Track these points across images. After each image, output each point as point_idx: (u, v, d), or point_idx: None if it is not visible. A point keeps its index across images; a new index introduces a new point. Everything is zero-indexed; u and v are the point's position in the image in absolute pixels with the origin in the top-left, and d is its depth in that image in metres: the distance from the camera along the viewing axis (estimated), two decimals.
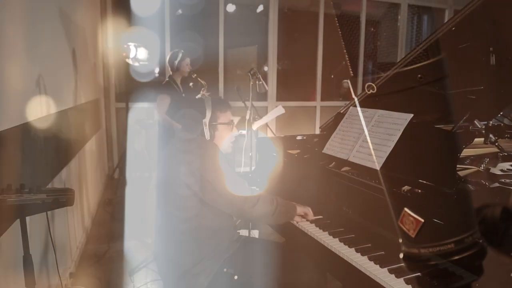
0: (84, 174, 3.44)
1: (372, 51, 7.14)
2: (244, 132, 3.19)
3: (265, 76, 5.89)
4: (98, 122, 4.64)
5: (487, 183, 1.61)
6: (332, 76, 6.91)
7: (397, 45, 6.68)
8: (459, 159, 1.76)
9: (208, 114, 1.75)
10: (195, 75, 3.60)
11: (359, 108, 2.03)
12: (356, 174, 1.78)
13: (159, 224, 1.69)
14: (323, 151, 2.06)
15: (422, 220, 1.46)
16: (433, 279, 1.27)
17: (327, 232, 1.67)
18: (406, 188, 1.56)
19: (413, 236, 1.47)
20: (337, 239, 1.60)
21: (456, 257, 1.26)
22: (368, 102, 2.25)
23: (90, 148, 3.89)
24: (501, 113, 2.36)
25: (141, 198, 3.95)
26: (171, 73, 3.54)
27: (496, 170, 1.86)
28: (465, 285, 1.20)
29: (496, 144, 2.09)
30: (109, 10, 5.22)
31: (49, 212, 1.75)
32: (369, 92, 2.28)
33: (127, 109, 5.04)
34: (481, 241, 1.17)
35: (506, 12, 1.81)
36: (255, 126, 3.41)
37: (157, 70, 5.93)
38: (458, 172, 1.58)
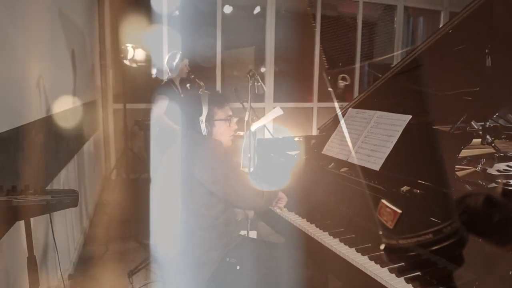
0: (82, 175, 3.44)
1: (368, 52, 7.19)
2: (241, 133, 3.20)
3: (262, 78, 5.90)
4: (95, 123, 4.63)
5: (484, 183, 1.64)
6: (329, 78, 6.94)
7: (393, 46, 6.72)
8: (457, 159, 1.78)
9: (205, 111, 1.72)
10: (192, 76, 3.61)
11: (336, 103, 2.06)
12: (355, 174, 1.80)
13: (169, 219, 1.69)
14: (322, 152, 2.08)
15: (400, 211, 1.49)
16: (433, 278, 1.28)
17: (327, 233, 1.68)
18: (405, 188, 1.58)
19: (391, 227, 1.51)
20: (337, 239, 1.61)
21: (438, 247, 1.28)
22: (366, 104, 2.27)
23: (88, 149, 3.88)
24: (497, 114, 2.40)
25: (142, 198, 3.95)
26: (169, 74, 3.55)
27: (492, 171, 1.88)
28: (464, 283, 1.22)
29: (493, 145, 2.12)
30: (106, 10, 5.21)
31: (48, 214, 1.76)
32: (342, 84, 2.32)
33: (124, 110, 5.05)
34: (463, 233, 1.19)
35: (502, 15, 1.83)
36: (253, 127, 3.42)
37: (154, 71, 5.94)
38: (456, 173, 1.60)
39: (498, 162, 2.06)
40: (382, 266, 1.37)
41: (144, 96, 5.44)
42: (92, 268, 2.91)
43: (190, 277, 1.58)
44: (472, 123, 2.19)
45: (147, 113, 5.32)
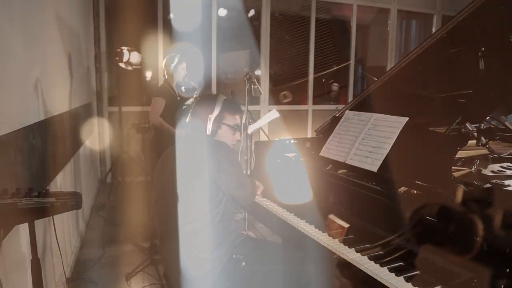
0: (78, 179, 3.43)
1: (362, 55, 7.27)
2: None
3: (257, 80, 5.93)
4: (91, 126, 4.62)
5: (480, 184, 1.67)
6: (324, 80, 6.99)
7: (387, 49, 6.79)
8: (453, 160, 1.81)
9: (216, 111, 1.75)
10: (187, 79, 3.62)
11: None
12: (353, 176, 1.82)
13: (182, 218, 1.68)
14: (320, 154, 2.10)
15: (347, 226, 1.55)
16: (432, 277, 1.31)
17: (326, 233, 1.70)
18: (402, 189, 1.61)
19: (341, 242, 1.58)
20: (336, 239, 1.63)
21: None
22: (362, 106, 2.30)
23: (84, 152, 3.87)
24: (490, 116, 2.44)
25: (138, 201, 3.95)
26: (166, 76, 3.56)
27: (487, 171, 1.92)
28: (462, 282, 1.25)
29: (487, 146, 2.16)
30: (101, 13, 5.21)
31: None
32: (284, 101, 2.38)
33: (120, 113, 5.04)
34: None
35: (495, 20, 1.87)
36: (250, 130, 3.44)
37: (149, 74, 5.94)
38: (452, 173, 1.63)
39: (492, 163, 2.09)
40: (381, 266, 1.39)
41: (139, 99, 5.45)
42: (89, 271, 2.90)
43: (200, 274, 1.59)
44: (467, 124, 2.22)
45: (143, 115, 5.34)
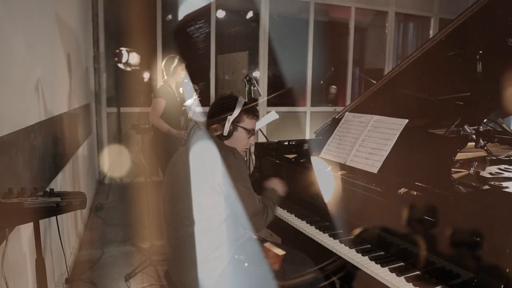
0: (77, 179, 3.43)
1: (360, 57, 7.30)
2: None
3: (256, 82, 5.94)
4: (89, 126, 4.61)
5: (479, 185, 1.68)
6: (322, 82, 7.02)
7: (385, 51, 6.83)
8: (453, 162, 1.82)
9: (236, 113, 1.73)
10: (186, 80, 3.63)
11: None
12: (353, 177, 1.83)
13: (185, 215, 1.68)
14: (320, 155, 2.11)
15: (283, 253, 1.59)
16: (432, 277, 1.32)
17: (327, 234, 1.72)
18: (402, 190, 1.62)
19: (276, 269, 1.62)
20: (337, 240, 1.64)
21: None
22: (362, 108, 2.31)
23: (83, 153, 3.87)
24: (488, 118, 2.46)
25: (136, 202, 3.95)
26: (165, 77, 3.56)
27: (485, 173, 1.94)
28: (462, 282, 1.26)
29: (485, 148, 2.18)
30: (100, 14, 5.21)
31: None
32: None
33: (118, 114, 5.04)
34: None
35: (494, 23, 1.90)
36: None
37: (147, 75, 5.94)
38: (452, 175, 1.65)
39: (489, 165, 2.11)
40: (382, 266, 1.41)
41: (138, 99, 5.44)
42: (89, 272, 2.89)
43: (201, 273, 1.60)
44: (465, 127, 2.24)
45: (142, 116, 5.34)
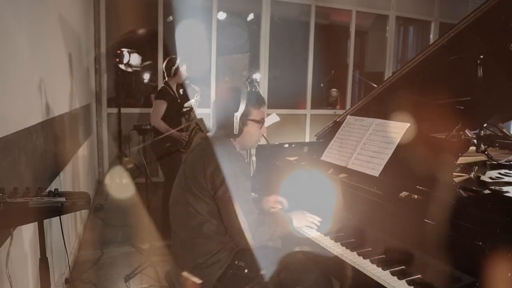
0: (77, 179, 3.43)
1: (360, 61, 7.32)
2: None
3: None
4: (89, 127, 4.62)
5: (480, 190, 1.69)
6: (322, 85, 7.04)
7: (385, 55, 6.85)
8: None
9: (242, 108, 1.64)
10: (188, 81, 3.63)
11: None
12: (355, 180, 1.84)
13: (182, 220, 1.66)
14: (321, 158, 2.12)
15: (199, 282, 1.59)
16: (433, 280, 1.33)
17: (328, 237, 1.72)
18: (403, 193, 1.63)
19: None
20: (338, 243, 1.65)
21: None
22: (363, 111, 2.32)
23: (83, 153, 3.87)
24: (488, 123, 2.47)
25: (135, 203, 3.94)
26: (166, 78, 3.56)
27: (485, 178, 1.95)
28: (463, 286, 1.27)
29: (486, 152, 2.19)
30: (102, 14, 5.22)
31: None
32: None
33: (119, 115, 5.04)
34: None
35: (496, 29, 1.91)
36: None
37: (147, 76, 5.95)
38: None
39: (490, 170, 2.12)
40: (384, 269, 1.41)
41: (138, 100, 5.45)
42: (88, 272, 2.89)
43: (198, 277, 1.59)
44: (466, 131, 2.25)
45: (142, 117, 5.34)
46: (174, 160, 3.42)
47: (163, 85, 3.59)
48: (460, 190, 1.58)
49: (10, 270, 1.23)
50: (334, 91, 7.05)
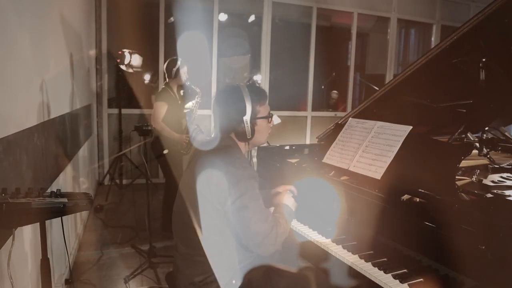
0: (77, 180, 3.42)
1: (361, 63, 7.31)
2: None
3: None
4: (90, 127, 4.61)
5: (482, 193, 1.69)
6: (323, 87, 7.04)
7: (387, 57, 6.85)
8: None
9: (249, 110, 1.56)
10: (188, 83, 3.63)
11: None
12: (356, 183, 1.83)
13: (183, 234, 1.61)
14: (323, 161, 2.11)
15: None
16: (436, 284, 1.32)
17: (329, 240, 1.71)
18: (405, 197, 1.62)
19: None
20: (340, 246, 1.64)
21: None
22: (365, 114, 2.32)
23: (83, 153, 3.87)
24: (491, 126, 2.46)
25: (135, 204, 3.94)
26: (167, 80, 3.56)
27: (487, 181, 1.94)
28: None
29: (488, 156, 2.18)
30: (103, 15, 5.22)
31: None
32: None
33: (120, 115, 5.04)
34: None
35: (499, 32, 1.91)
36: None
37: (147, 77, 5.95)
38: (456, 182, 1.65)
39: (492, 173, 2.12)
40: (386, 272, 1.41)
41: (139, 101, 5.45)
42: (88, 273, 2.88)
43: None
44: (468, 134, 2.25)
45: (142, 118, 5.34)
46: (174, 161, 3.42)
47: (163, 86, 3.58)
48: (463, 194, 1.58)
49: (11, 270, 1.23)
50: (334, 93, 7.05)
